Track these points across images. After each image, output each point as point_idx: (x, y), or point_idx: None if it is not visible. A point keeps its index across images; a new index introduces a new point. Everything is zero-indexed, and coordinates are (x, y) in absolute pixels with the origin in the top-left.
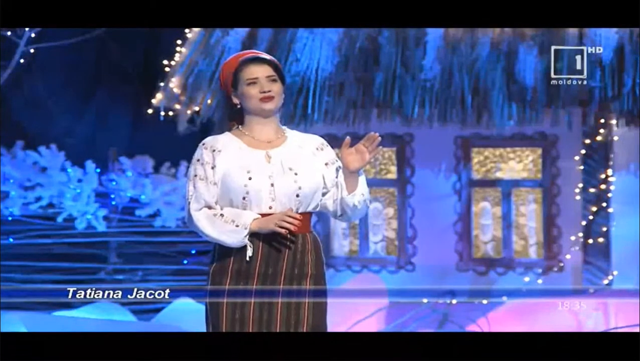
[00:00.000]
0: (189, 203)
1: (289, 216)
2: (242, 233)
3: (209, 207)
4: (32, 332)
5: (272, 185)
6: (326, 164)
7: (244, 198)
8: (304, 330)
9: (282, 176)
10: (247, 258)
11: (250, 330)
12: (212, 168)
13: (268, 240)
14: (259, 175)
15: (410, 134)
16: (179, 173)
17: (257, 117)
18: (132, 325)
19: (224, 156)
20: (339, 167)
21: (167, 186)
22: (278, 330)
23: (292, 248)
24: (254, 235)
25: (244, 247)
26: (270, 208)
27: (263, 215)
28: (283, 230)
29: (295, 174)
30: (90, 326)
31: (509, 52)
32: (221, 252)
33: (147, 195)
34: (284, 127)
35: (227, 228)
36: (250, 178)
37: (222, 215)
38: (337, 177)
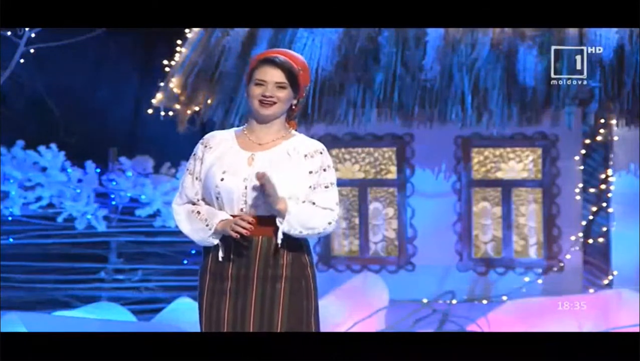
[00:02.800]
0: (175, 196)
1: (242, 220)
2: (207, 233)
3: (192, 203)
4: (32, 332)
5: (246, 187)
6: (310, 172)
7: (217, 197)
8: (278, 331)
9: (255, 180)
10: (220, 259)
11: (225, 330)
12: (201, 163)
13: (240, 241)
14: (234, 176)
15: (410, 134)
16: (179, 173)
17: (257, 118)
18: (132, 325)
19: (213, 153)
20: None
21: (167, 186)
22: (251, 331)
23: (264, 249)
24: (228, 236)
25: (218, 248)
26: (242, 210)
27: (234, 217)
28: (234, 234)
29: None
30: (90, 326)
31: (509, 52)
32: (205, 253)
33: (147, 195)
34: (290, 130)
35: (198, 226)
36: (222, 179)
37: (199, 212)
38: (312, 187)
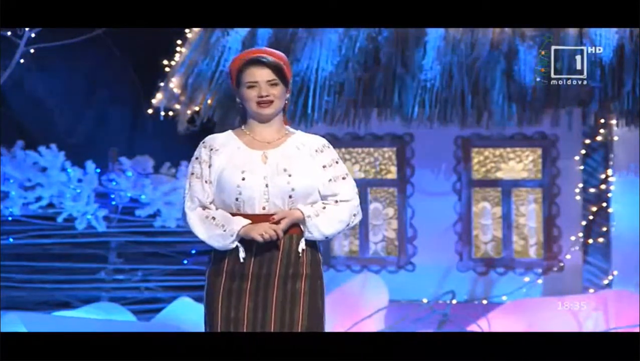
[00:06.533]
0: (184, 201)
1: (272, 230)
2: (228, 240)
3: (204, 207)
4: (32, 332)
5: (266, 185)
6: (323, 167)
7: (237, 199)
8: (299, 330)
9: (276, 177)
10: (241, 260)
11: (245, 330)
12: (209, 167)
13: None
14: (254, 175)
15: (410, 134)
16: (179, 173)
17: (258, 120)
18: (132, 325)
19: (221, 155)
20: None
21: (167, 186)
22: (272, 330)
23: (286, 248)
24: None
25: (238, 248)
26: (263, 208)
27: (255, 217)
28: (260, 238)
29: (289, 175)
30: (90, 326)
31: (509, 52)
32: (217, 253)
33: (147, 195)
34: (288, 127)
35: (216, 232)
36: (243, 179)
37: (213, 218)
38: (332, 180)
